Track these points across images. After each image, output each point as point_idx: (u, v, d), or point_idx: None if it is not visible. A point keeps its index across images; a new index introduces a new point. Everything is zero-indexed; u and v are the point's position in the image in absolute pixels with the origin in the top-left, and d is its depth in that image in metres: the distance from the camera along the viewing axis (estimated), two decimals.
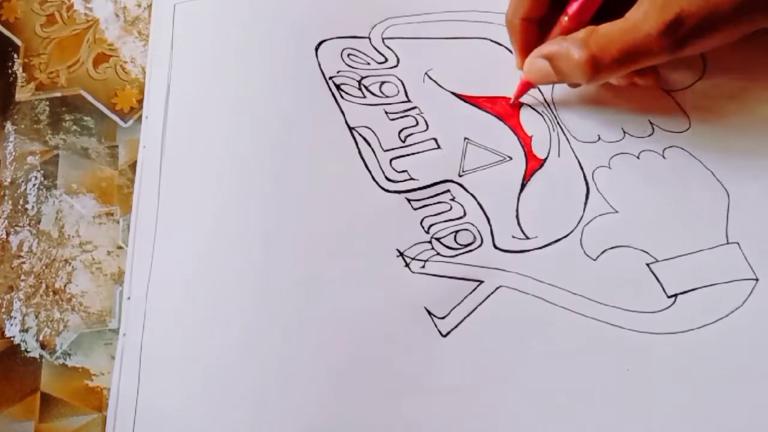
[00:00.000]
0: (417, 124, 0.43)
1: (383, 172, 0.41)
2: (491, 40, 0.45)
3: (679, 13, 0.34)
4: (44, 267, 0.42)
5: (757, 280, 0.38)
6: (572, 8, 0.38)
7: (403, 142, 0.42)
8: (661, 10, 0.34)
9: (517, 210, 0.40)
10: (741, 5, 0.35)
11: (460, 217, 0.40)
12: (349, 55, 0.45)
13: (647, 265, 0.38)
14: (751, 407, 0.35)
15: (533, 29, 0.40)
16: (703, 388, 0.36)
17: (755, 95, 0.42)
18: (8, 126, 0.45)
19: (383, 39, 0.45)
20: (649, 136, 0.41)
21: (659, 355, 0.36)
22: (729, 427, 0.35)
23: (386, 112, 0.43)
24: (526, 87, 0.41)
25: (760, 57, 0.42)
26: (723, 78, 0.42)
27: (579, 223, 0.40)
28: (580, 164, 0.41)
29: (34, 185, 0.44)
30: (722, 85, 0.41)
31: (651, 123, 0.42)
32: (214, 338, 0.38)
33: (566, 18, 0.38)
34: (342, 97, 0.43)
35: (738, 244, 0.38)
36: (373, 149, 0.42)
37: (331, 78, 0.44)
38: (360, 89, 0.44)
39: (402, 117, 0.43)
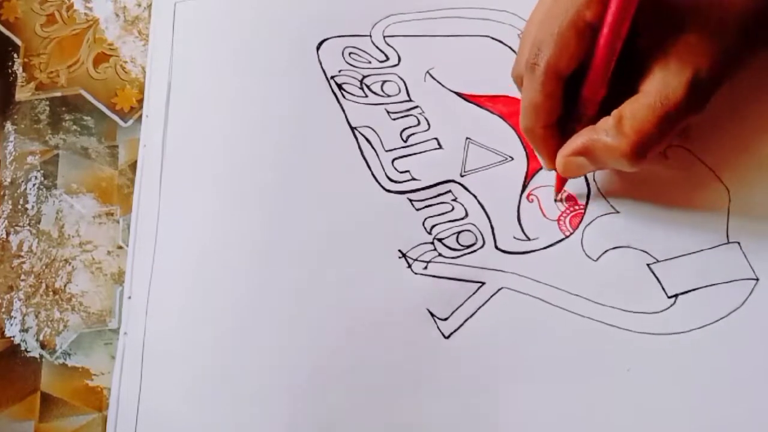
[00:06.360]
0: (419, 123, 0.43)
1: (385, 172, 0.41)
2: (493, 38, 0.45)
3: (696, 69, 0.33)
4: (44, 267, 0.42)
5: (757, 279, 0.38)
6: (587, 90, 0.36)
7: (405, 141, 0.42)
8: (678, 74, 0.33)
9: (518, 211, 0.40)
10: (745, 42, 0.34)
11: (462, 218, 0.40)
12: (350, 53, 0.45)
13: (648, 265, 0.38)
14: (751, 407, 0.35)
15: (555, 131, 0.37)
16: (704, 388, 0.36)
17: (756, 93, 0.42)
18: (8, 126, 0.45)
19: (384, 37, 0.45)
20: None
21: (660, 355, 0.36)
22: (729, 427, 0.35)
23: (388, 112, 0.43)
24: (564, 182, 0.40)
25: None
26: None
27: (580, 223, 0.40)
28: None
29: (34, 185, 0.44)
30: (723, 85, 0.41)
31: None
32: (215, 337, 0.38)
33: (584, 104, 0.36)
34: (344, 96, 0.43)
35: (738, 243, 0.38)
36: (374, 149, 0.42)
37: (332, 77, 0.44)
38: (362, 88, 0.44)
39: (404, 116, 0.43)
